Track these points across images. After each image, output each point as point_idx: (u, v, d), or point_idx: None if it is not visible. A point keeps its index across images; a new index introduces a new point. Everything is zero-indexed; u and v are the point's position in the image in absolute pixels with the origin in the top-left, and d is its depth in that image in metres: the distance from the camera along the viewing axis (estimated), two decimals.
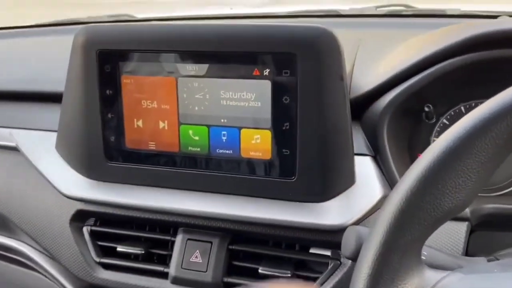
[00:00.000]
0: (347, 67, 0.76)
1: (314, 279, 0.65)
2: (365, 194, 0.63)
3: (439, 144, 0.38)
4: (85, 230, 0.76)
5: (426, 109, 0.66)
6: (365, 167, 0.66)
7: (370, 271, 0.38)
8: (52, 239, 0.77)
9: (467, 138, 0.36)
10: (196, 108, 0.66)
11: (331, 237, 0.63)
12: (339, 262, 0.64)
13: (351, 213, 0.62)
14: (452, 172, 0.36)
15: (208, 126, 0.66)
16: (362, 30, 0.99)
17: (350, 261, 0.63)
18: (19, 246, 0.84)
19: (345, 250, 0.51)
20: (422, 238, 0.39)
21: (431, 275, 0.40)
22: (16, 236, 0.85)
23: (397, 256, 0.38)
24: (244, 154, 0.65)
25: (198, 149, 0.67)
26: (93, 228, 0.76)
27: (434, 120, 0.72)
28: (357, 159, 0.65)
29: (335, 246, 0.64)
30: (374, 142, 0.68)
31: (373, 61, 0.75)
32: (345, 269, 0.63)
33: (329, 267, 0.64)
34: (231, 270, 0.69)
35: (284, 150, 0.63)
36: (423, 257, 0.52)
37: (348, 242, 0.52)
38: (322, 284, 0.64)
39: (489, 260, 0.54)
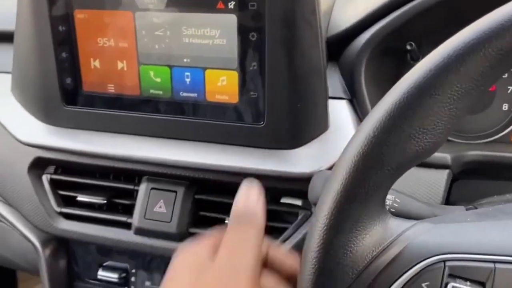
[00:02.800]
0: (327, 3, 0.70)
1: (283, 230, 0.62)
2: (339, 140, 0.59)
3: (405, 80, 0.33)
4: (45, 178, 0.72)
5: (408, 47, 0.60)
6: (340, 112, 0.61)
7: (327, 220, 0.34)
8: (11, 188, 0.73)
9: (438, 71, 0.31)
10: (157, 47, 0.60)
11: (302, 186, 0.59)
12: (309, 212, 0.60)
13: (324, 160, 0.58)
14: (421, 110, 0.31)
15: (170, 66, 0.61)
16: None
17: None
18: None
19: (311, 196, 0.47)
20: (385, 185, 0.34)
21: (396, 225, 0.36)
22: None
23: (357, 204, 0.34)
24: (209, 98, 0.60)
25: (160, 92, 0.62)
26: (53, 176, 0.71)
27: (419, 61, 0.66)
28: (331, 102, 0.60)
29: (305, 195, 0.60)
30: (351, 85, 0.62)
31: None
32: None
33: (299, 218, 0.60)
34: (197, 220, 0.66)
35: (252, 93, 0.58)
36: (395, 205, 0.48)
37: (315, 188, 0.48)
38: (291, 235, 0.60)
39: (467, 209, 0.50)
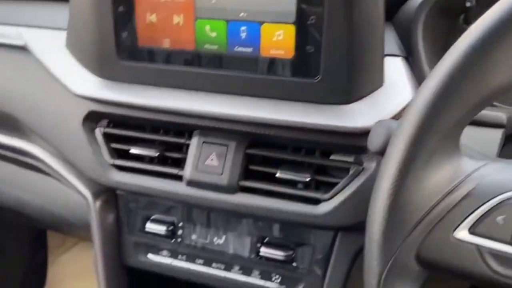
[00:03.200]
0: None
1: (333, 185, 0.63)
2: (393, 96, 0.59)
3: (489, 16, 0.33)
4: (98, 131, 0.74)
5: (468, 4, 0.59)
6: (395, 68, 0.61)
7: (402, 153, 0.34)
8: (65, 141, 0.75)
9: None
10: (214, 1, 0.61)
11: (354, 141, 0.60)
12: (361, 168, 0.61)
13: (378, 115, 0.58)
14: (504, 43, 0.31)
15: (227, 20, 0.61)
16: None
17: (373, 166, 0.60)
18: (33, 149, 0.83)
19: (372, 144, 0.48)
20: (463, 121, 0.35)
21: (469, 163, 0.36)
22: (30, 139, 0.83)
23: (434, 138, 0.34)
24: (264, 53, 0.61)
25: (215, 47, 0.63)
26: (106, 130, 0.73)
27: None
28: (386, 59, 0.60)
29: (358, 151, 0.60)
30: (407, 43, 0.62)
31: None
32: (367, 175, 0.60)
33: (350, 172, 0.61)
34: (247, 174, 0.67)
35: (308, 47, 0.58)
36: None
37: (376, 135, 0.48)
38: (342, 189, 0.61)
39: None
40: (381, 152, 0.49)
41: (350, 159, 0.62)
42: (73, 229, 1.03)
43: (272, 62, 0.60)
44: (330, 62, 0.58)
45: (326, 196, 0.62)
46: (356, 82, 0.59)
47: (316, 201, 0.63)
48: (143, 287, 0.87)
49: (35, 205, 0.94)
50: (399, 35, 0.64)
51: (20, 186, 0.93)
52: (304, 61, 0.59)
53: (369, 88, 0.60)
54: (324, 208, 0.62)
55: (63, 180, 0.82)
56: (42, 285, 1.87)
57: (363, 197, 0.60)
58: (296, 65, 0.59)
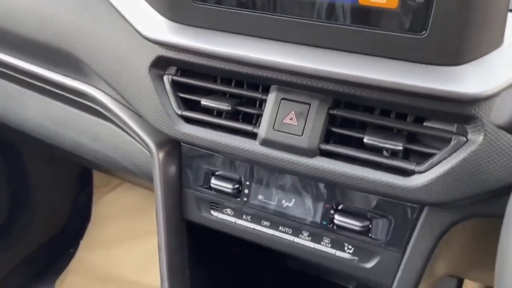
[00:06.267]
0: None
1: (428, 156, 0.56)
2: None
3: None
4: (166, 79, 0.68)
5: None
6: None
7: None
8: (130, 87, 0.70)
9: None
10: None
11: (460, 108, 0.52)
12: (465, 139, 0.53)
13: (493, 80, 0.50)
14: None
15: None
16: None
17: (479, 139, 0.52)
18: (95, 92, 0.79)
19: (497, 116, 0.40)
20: None
21: None
22: (92, 82, 0.79)
23: None
24: (362, 1, 0.53)
25: None
26: (175, 77, 0.68)
27: None
28: (510, 15, 0.51)
29: (463, 120, 0.53)
30: None
31: None
32: (472, 148, 0.52)
33: (452, 144, 0.54)
34: (329, 137, 0.61)
35: None
36: None
37: (504, 106, 0.41)
38: (440, 161, 0.54)
39: None
40: (510, 129, 0.42)
41: (452, 128, 0.55)
42: (128, 175, 1.01)
43: (372, 12, 0.52)
44: (441, 14, 0.49)
45: (421, 168, 0.55)
46: (469, 41, 0.50)
47: (408, 173, 0.57)
48: (200, 243, 0.84)
49: (91, 148, 0.92)
50: None
51: (78, 129, 0.90)
52: (410, 12, 0.51)
53: (484, 48, 0.51)
54: (417, 181, 0.55)
55: (124, 127, 0.78)
56: (87, 222, 1.92)
57: (465, 173, 0.53)
58: (400, 17, 0.51)
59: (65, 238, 1.85)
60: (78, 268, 1.78)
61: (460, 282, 1.33)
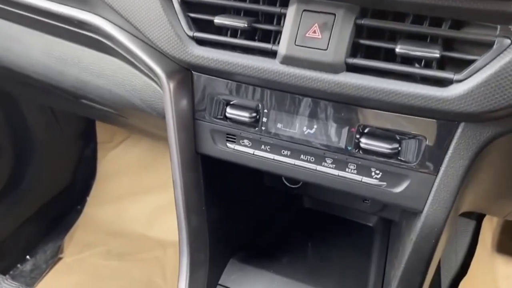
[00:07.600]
0: None
1: (467, 63, 0.51)
2: None
3: None
4: None
5: None
6: None
7: None
8: (137, 9, 0.65)
9: None
10: None
11: (502, 5, 0.47)
12: (509, 41, 0.48)
13: None
14: None
15: None
16: None
17: None
18: (99, 21, 0.73)
19: None
20: None
21: None
22: (96, 10, 0.73)
23: None
24: None
25: None
26: None
27: None
28: None
29: (507, 19, 0.48)
30: None
31: None
32: None
33: (495, 47, 0.49)
34: (355, 50, 0.56)
35: None
36: None
37: None
38: (481, 68, 0.50)
39: None
40: None
41: (493, 32, 0.50)
42: (136, 113, 0.96)
43: None
44: None
45: (460, 76, 0.51)
46: None
47: (445, 83, 0.52)
48: (216, 179, 0.81)
49: (96, 86, 0.87)
50: None
51: (81, 65, 0.85)
52: None
53: None
54: (456, 90, 0.51)
55: (131, 57, 0.73)
56: (92, 179, 1.90)
57: (509, 78, 0.49)
58: None
59: (71, 194, 1.83)
60: (86, 224, 1.77)
61: (478, 224, 1.31)
